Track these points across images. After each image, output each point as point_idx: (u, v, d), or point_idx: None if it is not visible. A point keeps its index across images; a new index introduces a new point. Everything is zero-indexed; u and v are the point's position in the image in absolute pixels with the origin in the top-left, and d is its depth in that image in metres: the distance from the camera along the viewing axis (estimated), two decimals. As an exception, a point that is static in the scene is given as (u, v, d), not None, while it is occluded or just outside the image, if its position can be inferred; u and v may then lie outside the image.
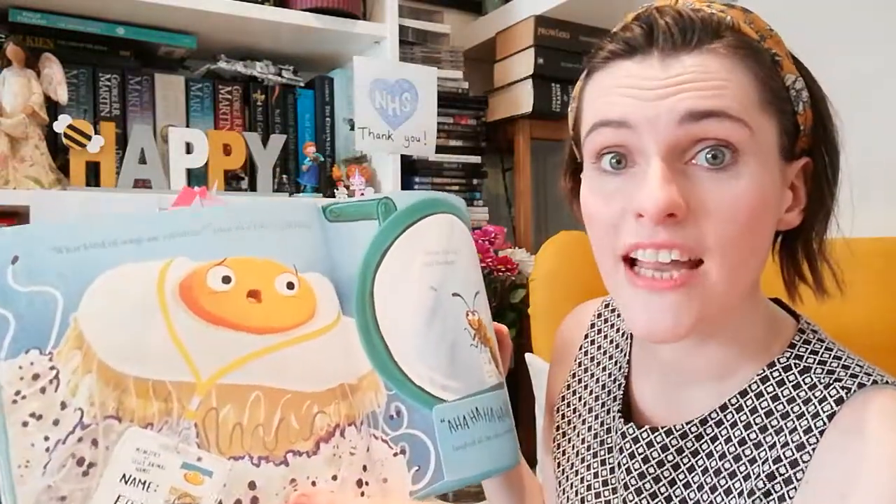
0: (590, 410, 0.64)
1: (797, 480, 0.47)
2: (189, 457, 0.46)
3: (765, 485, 0.49)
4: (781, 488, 0.48)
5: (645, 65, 0.47)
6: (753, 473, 0.50)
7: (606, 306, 0.69)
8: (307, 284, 0.53)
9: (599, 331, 0.68)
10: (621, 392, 0.61)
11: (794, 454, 0.48)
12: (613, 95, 0.48)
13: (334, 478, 0.49)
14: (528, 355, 1.20)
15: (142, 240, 0.48)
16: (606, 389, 0.63)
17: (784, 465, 0.48)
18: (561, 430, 0.67)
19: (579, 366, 0.68)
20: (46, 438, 0.43)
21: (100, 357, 0.45)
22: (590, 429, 0.63)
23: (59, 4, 1.15)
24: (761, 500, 0.48)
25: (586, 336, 0.68)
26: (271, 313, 0.50)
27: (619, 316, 0.66)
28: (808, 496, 0.46)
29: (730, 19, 0.47)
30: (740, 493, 0.50)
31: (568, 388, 0.68)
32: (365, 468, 0.51)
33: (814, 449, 0.47)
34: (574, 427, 0.65)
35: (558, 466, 0.65)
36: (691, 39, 0.46)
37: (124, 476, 0.44)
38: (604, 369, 0.64)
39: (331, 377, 0.51)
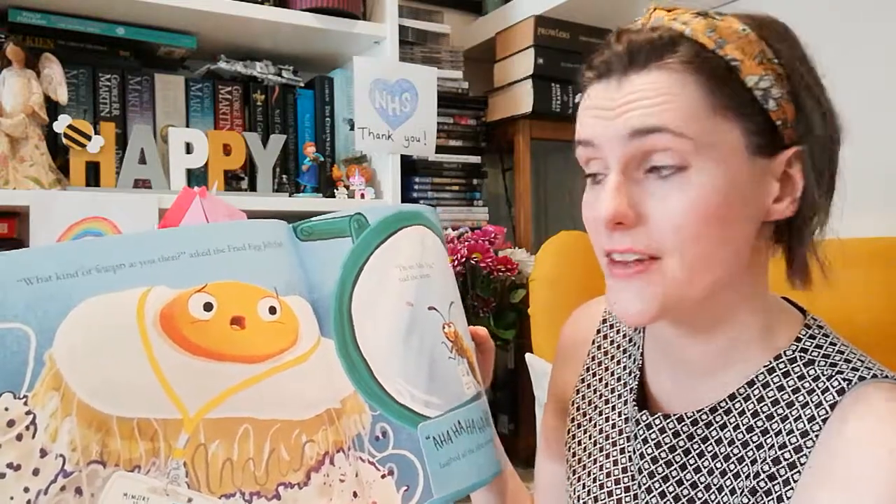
0: (606, 402, 0.67)
1: (801, 465, 0.50)
2: (179, 499, 0.43)
3: (770, 468, 0.52)
4: (786, 472, 0.51)
5: (608, 87, 0.53)
6: (760, 458, 0.53)
7: None
8: (289, 308, 0.51)
9: (612, 326, 0.70)
10: (636, 383, 0.64)
11: (798, 441, 0.51)
12: (585, 117, 0.54)
13: None
14: (528, 356, 1.20)
15: (116, 267, 0.45)
16: (622, 381, 0.66)
17: (788, 451, 0.52)
18: (576, 422, 0.69)
19: (592, 360, 0.70)
20: (26, 490, 0.40)
21: (79, 397, 0.42)
22: (607, 419, 0.66)
23: (59, 4, 1.15)
24: (766, 483, 0.52)
25: (598, 331, 0.71)
26: (256, 341, 0.49)
27: None
28: (810, 480, 0.50)
29: (689, 31, 0.51)
30: (747, 476, 0.53)
31: (582, 382, 0.70)
32: (355, 494, 0.50)
33: (817, 436, 0.50)
34: (590, 418, 0.68)
35: (573, 456, 0.68)
36: (642, 60, 0.51)
37: None
38: (618, 363, 0.67)
39: (317, 403, 0.50)
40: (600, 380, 0.69)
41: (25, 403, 0.41)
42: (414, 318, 0.56)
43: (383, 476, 0.51)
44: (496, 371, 1.50)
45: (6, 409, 0.40)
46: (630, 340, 0.67)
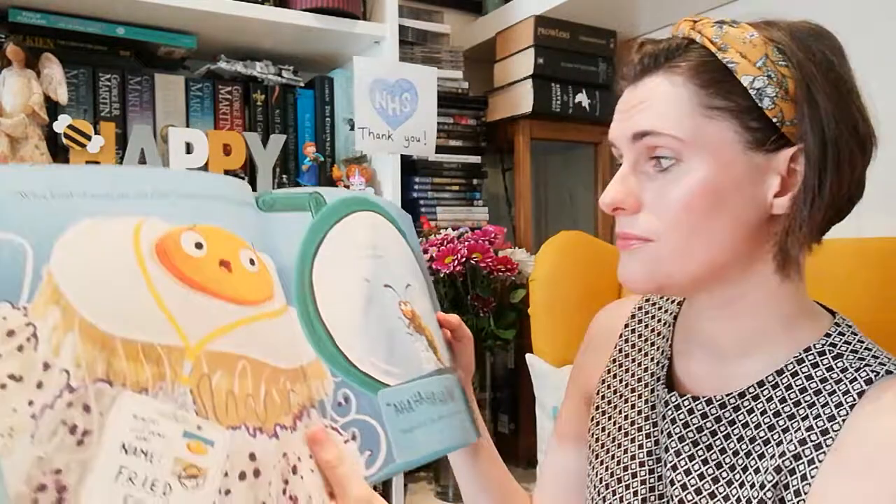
0: (633, 391, 0.71)
1: (826, 447, 0.53)
2: (189, 425, 0.42)
3: (795, 448, 0.54)
4: (811, 453, 0.54)
5: (627, 92, 0.61)
6: (786, 440, 0.55)
7: (647, 300, 0.76)
8: (263, 264, 0.52)
9: (640, 321, 0.75)
10: (664, 371, 0.67)
11: (824, 424, 0.54)
12: (613, 119, 0.62)
13: (310, 457, 0.48)
14: (528, 356, 1.20)
15: (112, 195, 0.44)
16: (650, 372, 0.70)
17: (815, 433, 0.54)
18: (601, 410, 0.73)
19: (620, 352, 0.75)
20: (31, 403, 0.37)
21: (81, 314, 0.40)
22: (633, 406, 0.70)
23: (59, 4, 1.15)
24: (791, 463, 0.54)
25: (626, 325, 0.76)
26: (242, 285, 0.49)
27: (660, 309, 0.74)
28: (835, 460, 0.52)
29: (699, 38, 0.57)
30: (772, 457, 0.56)
31: (608, 373, 0.74)
32: None
33: (843, 420, 0.53)
34: (616, 406, 0.72)
35: (597, 441, 0.72)
36: (652, 65, 0.59)
37: (124, 446, 0.39)
38: (646, 355, 0.71)
39: (293, 357, 0.51)
40: (627, 370, 0.73)
41: (25, 315, 0.39)
42: (371, 292, 0.58)
43: (346, 441, 0.52)
44: (496, 371, 1.50)
45: (4, 319, 0.38)
46: (659, 334, 0.72)
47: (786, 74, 0.54)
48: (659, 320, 0.73)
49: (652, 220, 0.58)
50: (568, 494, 0.77)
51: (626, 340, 0.75)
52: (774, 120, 0.55)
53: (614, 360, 0.75)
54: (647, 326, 0.74)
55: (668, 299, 0.74)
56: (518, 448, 1.45)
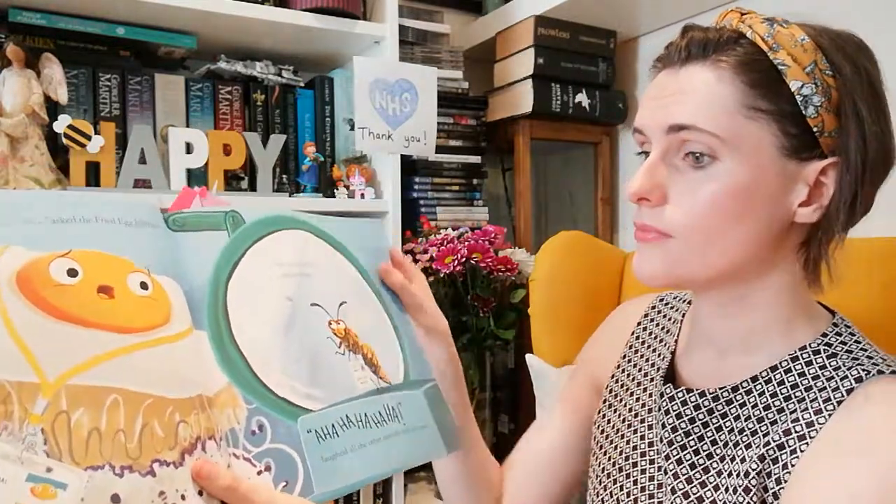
0: (638, 384, 0.72)
1: (810, 438, 0.54)
2: (36, 468, 0.39)
3: (780, 438, 0.55)
4: (794, 443, 0.54)
5: (665, 76, 0.58)
6: (772, 431, 0.56)
7: (661, 300, 0.78)
8: (160, 287, 0.49)
9: (652, 319, 0.76)
10: (666, 365, 0.69)
11: (811, 417, 0.55)
12: (642, 106, 0.60)
13: (200, 493, 0.45)
14: (528, 356, 1.20)
15: None
16: (655, 366, 0.71)
17: (800, 425, 0.55)
18: (607, 402, 0.75)
19: (629, 348, 0.76)
20: None
21: None
22: (637, 399, 0.71)
23: (59, 4, 1.15)
24: (775, 452, 0.55)
25: (639, 324, 0.77)
26: (126, 312, 0.46)
27: (672, 308, 0.75)
28: (816, 451, 0.53)
29: (750, 33, 0.55)
30: (758, 446, 0.57)
31: (618, 368, 0.76)
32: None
33: (829, 414, 0.54)
34: (622, 399, 0.73)
35: (602, 432, 0.74)
36: (700, 54, 0.56)
37: None
38: (654, 351, 0.73)
39: (189, 386, 0.47)
40: (635, 365, 0.74)
41: None
42: (294, 312, 0.56)
43: (259, 472, 0.49)
44: (496, 371, 1.50)
45: None
46: (667, 331, 0.73)
47: (831, 85, 0.54)
48: (669, 318, 0.74)
49: (676, 216, 0.56)
50: (540, 471, 0.79)
51: (637, 338, 0.76)
52: (815, 129, 0.54)
53: (625, 356, 0.76)
54: (658, 325, 0.75)
55: (681, 300, 0.75)
56: (518, 448, 1.45)
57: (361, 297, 0.63)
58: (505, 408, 1.53)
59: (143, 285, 0.48)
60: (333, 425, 0.54)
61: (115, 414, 0.43)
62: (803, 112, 0.54)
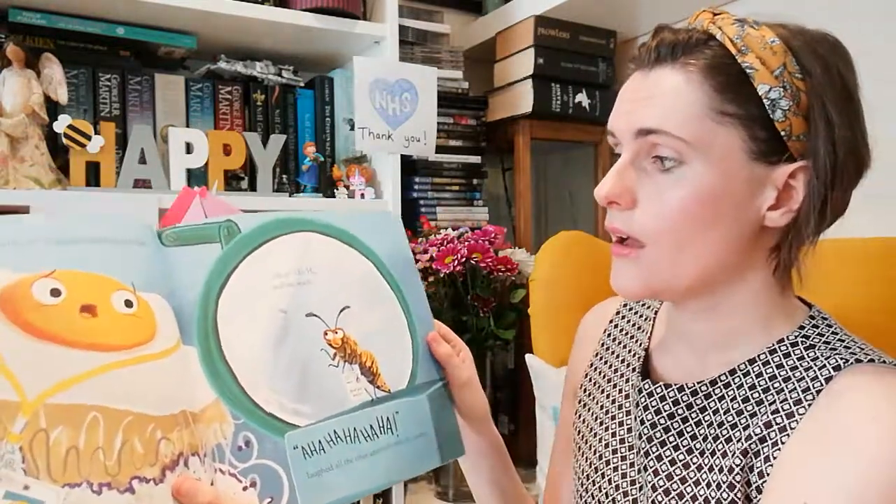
0: (608, 381, 0.71)
1: (790, 430, 0.53)
2: (14, 485, 0.40)
3: (762, 431, 0.55)
4: (776, 435, 0.54)
5: (636, 79, 0.58)
6: (753, 424, 0.56)
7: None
8: (146, 304, 0.49)
9: (623, 317, 0.76)
10: (640, 362, 0.68)
11: (790, 408, 0.55)
12: (614, 108, 0.60)
13: None
14: (528, 356, 1.20)
15: None
16: (626, 362, 0.70)
17: (781, 416, 0.55)
18: (582, 402, 0.74)
19: (601, 345, 0.75)
20: None
21: None
22: (608, 396, 0.70)
23: (59, 4, 1.15)
24: (756, 445, 0.55)
25: (610, 321, 0.76)
26: (108, 330, 0.46)
27: (644, 306, 0.75)
28: (797, 441, 0.53)
29: (720, 35, 0.55)
30: (739, 440, 0.56)
31: (591, 367, 0.75)
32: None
33: (809, 405, 0.54)
34: (595, 398, 0.72)
35: (579, 434, 0.73)
36: (668, 56, 0.56)
37: None
38: (627, 349, 0.72)
39: (173, 402, 0.48)
40: (606, 363, 0.73)
41: None
42: (287, 325, 0.55)
43: (245, 488, 0.49)
44: (496, 371, 1.50)
45: None
46: (639, 328, 0.72)
47: (800, 88, 0.53)
48: (642, 316, 0.73)
49: (646, 220, 0.57)
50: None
51: (609, 335, 0.75)
52: (782, 133, 0.54)
53: (597, 355, 0.75)
54: (629, 322, 0.74)
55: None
56: (518, 448, 1.44)
57: (371, 296, 0.62)
58: (505, 408, 1.53)
59: (128, 303, 0.48)
60: (321, 441, 0.54)
61: (94, 432, 0.43)
62: (771, 116, 0.53)
